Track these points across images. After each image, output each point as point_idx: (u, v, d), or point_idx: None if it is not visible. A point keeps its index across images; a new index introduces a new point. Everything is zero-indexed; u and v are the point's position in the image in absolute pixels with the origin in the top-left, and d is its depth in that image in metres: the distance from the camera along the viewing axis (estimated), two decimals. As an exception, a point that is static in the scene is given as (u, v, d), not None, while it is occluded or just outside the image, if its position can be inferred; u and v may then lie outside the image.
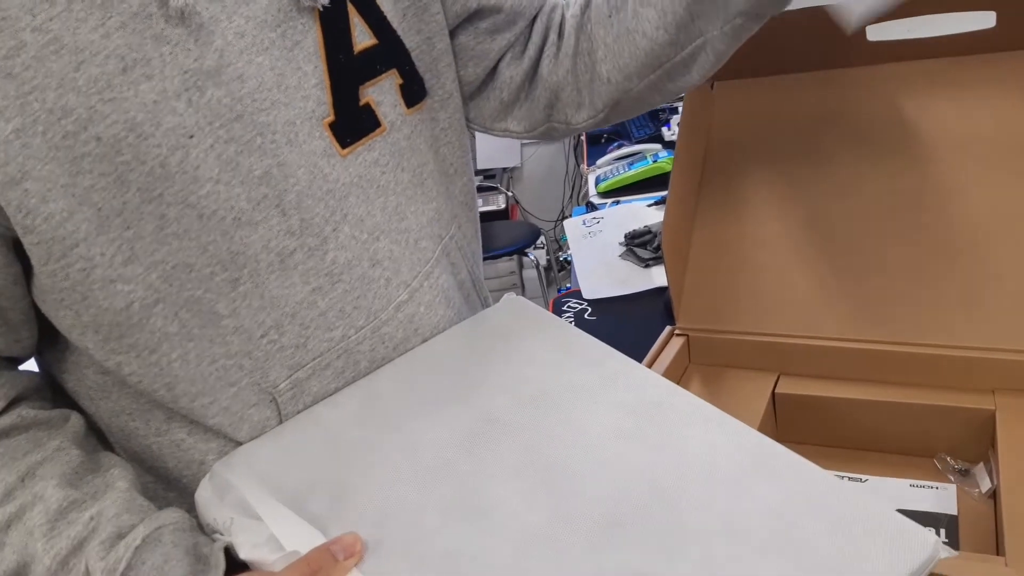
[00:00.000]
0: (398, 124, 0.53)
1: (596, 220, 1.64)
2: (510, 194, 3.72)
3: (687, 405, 0.47)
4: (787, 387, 0.80)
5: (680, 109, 0.99)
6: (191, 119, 0.44)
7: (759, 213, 0.86)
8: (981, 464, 0.73)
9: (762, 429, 0.75)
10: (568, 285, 1.41)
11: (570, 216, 1.73)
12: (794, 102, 0.87)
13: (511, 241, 3.11)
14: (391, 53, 0.53)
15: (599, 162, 2.18)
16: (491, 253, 3.23)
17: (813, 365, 0.80)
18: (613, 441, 0.44)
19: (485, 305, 0.65)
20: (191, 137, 0.44)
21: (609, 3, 0.60)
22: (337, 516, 0.43)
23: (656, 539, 0.38)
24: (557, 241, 3.64)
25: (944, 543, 0.35)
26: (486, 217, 3.53)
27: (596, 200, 1.96)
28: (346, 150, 0.50)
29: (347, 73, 0.50)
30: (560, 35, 0.63)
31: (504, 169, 3.69)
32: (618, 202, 1.82)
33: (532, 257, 3.29)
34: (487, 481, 0.43)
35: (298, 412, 0.52)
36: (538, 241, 3.36)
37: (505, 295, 0.61)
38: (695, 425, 0.45)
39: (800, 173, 0.85)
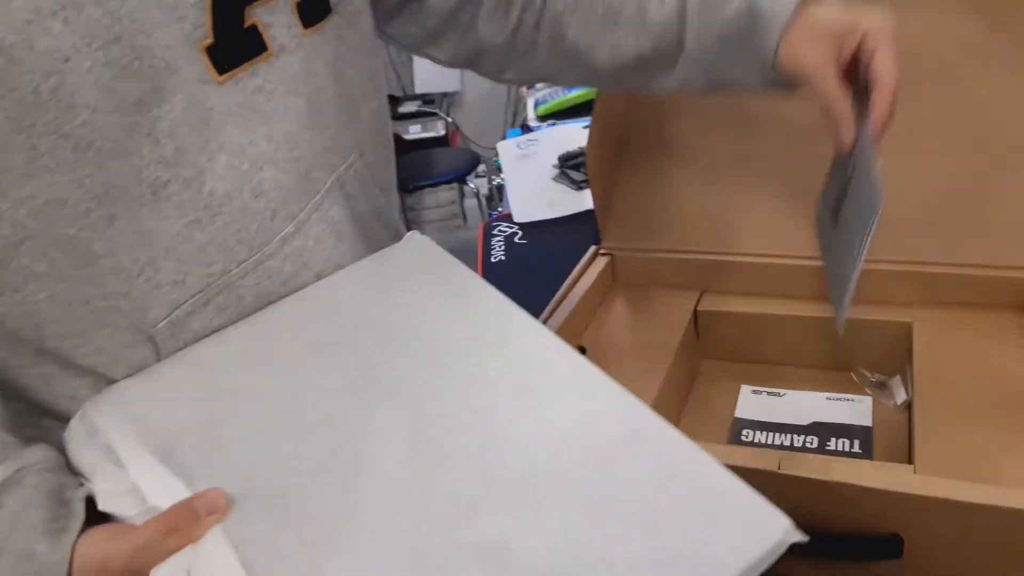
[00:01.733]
0: (291, 47, 0.49)
1: (531, 142, 1.61)
2: (450, 120, 3.64)
3: (574, 370, 0.45)
4: (709, 304, 0.79)
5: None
6: (67, 40, 0.40)
7: (683, 134, 0.84)
8: (898, 377, 0.74)
9: (684, 345, 0.75)
10: (501, 209, 1.39)
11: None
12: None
13: (451, 168, 3.05)
14: None
15: (539, 84, 2.13)
16: (431, 181, 3.17)
17: (734, 282, 0.79)
18: (493, 403, 0.43)
19: (396, 239, 0.61)
20: (67, 61, 0.40)
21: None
22: (206, 467, 0.41)
23: (518, 508, 0.38)
24: (497, 166, 3.59)
25: (793, 531, 0.37)
26: (425, 144, 3.45)
27: (533, 124, 1.92)
28: (223, 76, 0.46)
29: None
30: None
31: (444, 94, 3.60)
32: (554, 124, 1.79)
33: (473, 186, 3.25)
34: (364, 438, 0.42)
35: (178, 350, 0.49)
36: (479, 169, 3.31)
37: (408, 234, 0.58)
38: (578, 391, 0.44)
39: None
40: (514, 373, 0.45)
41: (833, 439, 0.69)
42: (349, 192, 0.56)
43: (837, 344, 0.75)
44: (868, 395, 0.73)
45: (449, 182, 3.17)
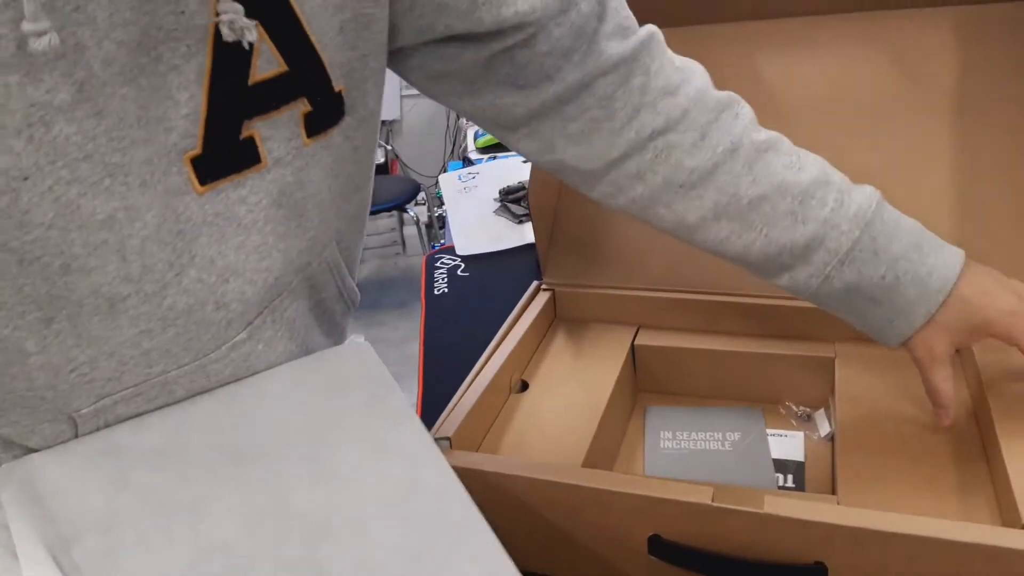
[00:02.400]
0: (287, 159, 0.46)
1: (472, 175, 1.63)
2: (389, 148, 3.65)
3: (471, 533, 0.45)
4: (645, 339, 0.82)
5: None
6: (29, 159, 0.38)
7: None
8: (822, 409, 0.77)
9: (621, 379, 0.77)
10: (444, 241, 1.40)
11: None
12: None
13: (391, 196, 3.06)
14: (301, 81, 0.46)
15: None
16: (371, 210, 3.17)
17: (670, 318, 0.83)
18: (388, 559, 0.43)
19: (352, 303, 0.59)
20: (26, 179, 0.38)
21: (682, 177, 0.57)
22: (98, 573, 0.41)
23: None
24: (438, 197, 3.62)
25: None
26: (365, 172, 3.45)
27: (473, 156, 1.94)
28: (205, 187, 0.44)
29: (232, 105, 0.43)
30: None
31: (383, 122, 3.62)
32: (495, 158, 1.82)
33: (412, 214, 3.26)
34: (256, 572, 0.42)
35: (97, 429, 0.47)
36: (419, 197, 3.32)
37: (350, 339, 0.57)
38: (471, 559, 0.44)
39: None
40: (417, 529, 0.45)
41: (768, 473, 0.72)
42: (315, 283, 0.53)
43: (765, 378, 0.78)
44: (800, 430, 0.77)
45: (389, 210, 3.18)
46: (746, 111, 0.58)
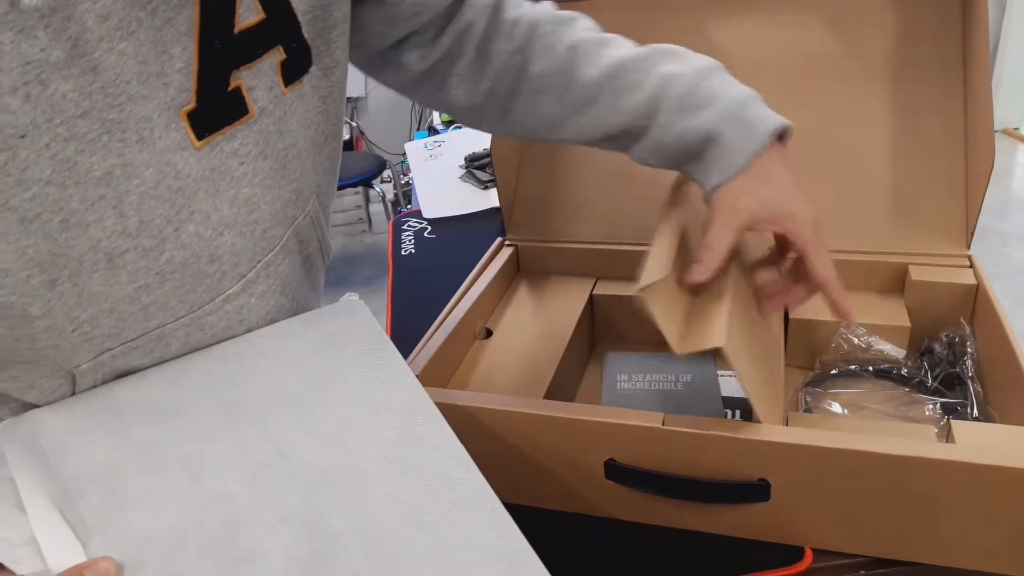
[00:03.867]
0: (269, 108, 0.47)
1: (437, 144, 1.65)
2: (355, 124, 3.64)
3: (467, 485, 0.46)
4: (603, 289, 0.86)
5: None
6: (25, 117, 0.38)
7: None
8: (769, 353, 0.82)
9: (580, 326, 0.81)
10: (411, 206, 1.43)
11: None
12: (602, 23, 0.91)
13: (356, 172, 3.06)
14: (278, 28, 0.47)
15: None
16: (338, 184, 3.16)
17: (626, 269, 0.86)
18: (386, 510, 0.44)
19: (327, 257, 0.60)
20: (23, 137, 0.38)
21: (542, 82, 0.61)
22: (104, 525, 0.42)
23: None
24: (404, 173, 3.62)
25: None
26: (331, 148, 3.43)
27: (439, 126, 1.96)
28: (202, 141, 0.44)
29: (221, 57, 0.44)
30: (478, 59, 0.61)
31: (348, 99, 3.60)
32: (460, 127, 1.84)
33: (379, 190, 3.26)
34: (258, 523, 0.43)
35: (95, 383, 0.49)
36: (384, 174, 3.33)
37: (346, 296, 0.57)
38: (469, 509, 0.45)
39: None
40: (414, 480, 0.45)
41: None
42: (303, 239, 0.55)
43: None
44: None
45: (354, 186, 3.18)
46: (587, 22, 0.63)
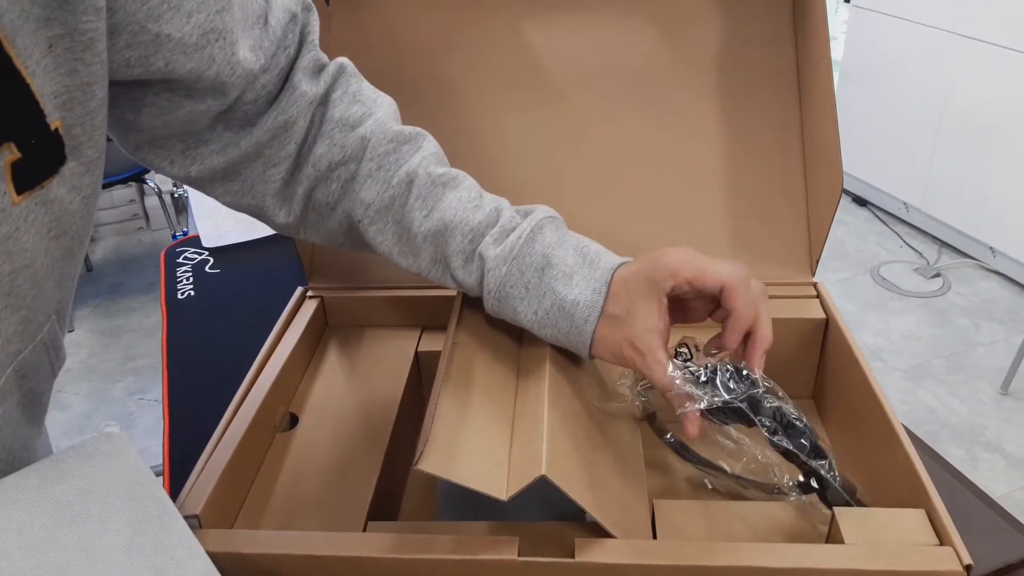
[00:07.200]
0: None
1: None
2: (119, 111, 3.23)
3: None
4: (430, 344, 0.74)
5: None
6: None
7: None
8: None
9: (408, 397, 0.69)
10: (187, 230, 1.22)
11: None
12: (416, 25, 0.79)
13: (125, 166, 2.70)
14: (4, 118, 0.35)
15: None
16: (104, 180, 2.79)
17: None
18: None
19: (59, 365, 0.47)
20: None
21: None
22: None
23: None
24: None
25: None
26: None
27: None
28: None
29: None
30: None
31: (108, 81, 3.19)
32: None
33: (153, 184, 2.91)
34: None
35: None
36: (159, 164, 2.98)
37: (104, 430, 0.45)
38: None
39: (425, 106, 0.77)
40: None
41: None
42: (27, 373, 0.43)
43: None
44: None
45: (124, 181, 2.81)
46: (430, 145, 0.58)
